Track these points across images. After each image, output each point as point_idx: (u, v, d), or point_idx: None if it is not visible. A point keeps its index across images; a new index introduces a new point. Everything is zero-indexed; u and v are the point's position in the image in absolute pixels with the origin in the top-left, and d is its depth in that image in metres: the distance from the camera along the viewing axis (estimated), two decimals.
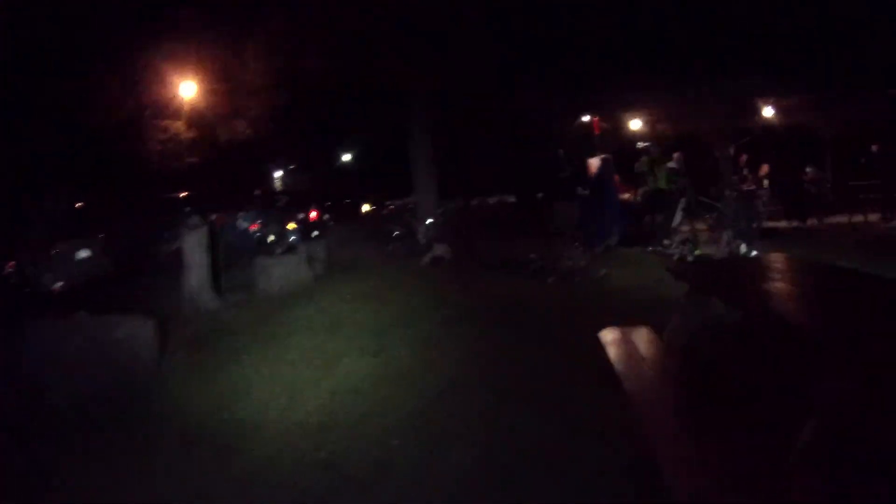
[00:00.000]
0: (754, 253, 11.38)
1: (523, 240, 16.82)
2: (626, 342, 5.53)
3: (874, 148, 18.36)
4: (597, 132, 16.05)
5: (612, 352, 5.32)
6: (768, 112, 19.49)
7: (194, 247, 10.79)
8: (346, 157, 43.79)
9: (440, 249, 14.53)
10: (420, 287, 11.75)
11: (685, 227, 15.24)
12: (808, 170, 18.67)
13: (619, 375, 4.76)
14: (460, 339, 8.11)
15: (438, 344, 8.00)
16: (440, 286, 11.74)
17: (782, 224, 17.48)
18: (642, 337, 5.64)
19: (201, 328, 9.63)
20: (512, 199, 19.21)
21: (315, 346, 8.30)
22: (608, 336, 5.78)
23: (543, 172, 15.53)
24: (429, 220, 16.19)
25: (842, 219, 18.36)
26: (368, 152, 37.68)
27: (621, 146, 23.91)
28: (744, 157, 18.81)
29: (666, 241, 14.23)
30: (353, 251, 16.96)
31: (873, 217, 18.38)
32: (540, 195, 16.67)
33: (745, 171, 18.52)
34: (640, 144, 15.39)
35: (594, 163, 14.81)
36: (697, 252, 12.45)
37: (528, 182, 17.73)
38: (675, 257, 12.51)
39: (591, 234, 14.14)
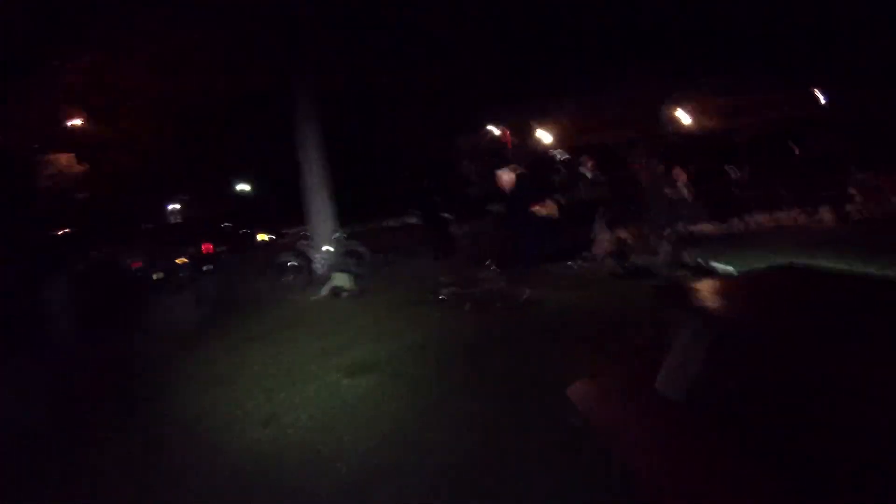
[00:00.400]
0: (701, 261, 10.49)
1: (433, 264, 15.56)
2: (608, 401, 4.01)
3: (795, 147, 17.82)
4: (509, 146, 14.81)
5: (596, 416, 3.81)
6: (684, 118, 18.69)
7: (55, 294, 9.22)
8: (244, 186, 41.85)
9: (340, 279, 12.94)
10: (318, 326, 10.26)
11: (607, 238, 14.11)
12: (727, 169, 17.85)
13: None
14: (369, 401, 6.51)
15: (343, 408, 6.40)
16: (340, 324, 10.23)
17: (708, 228, 16.60)
18: (624, 389, 4.12)
19: None
20: (416, 220, 17.74)
21: (187, 414, 6.70)
22: (580, 392, 4.21)
23: (450, 191, 13.99)
24: (325, 248, 14.56)
25: (763, 218, 17.67)
26: (265, 179, 35.99)
27: (535, 159, 23.15)
28: (661, 166, 17.90)
29: (586, 254, 13.11)
30: (246, 285, 15.56)
31: (795, 214, 17.76)
32: (447, 215, 15.22)
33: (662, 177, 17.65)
34: (558, 155, 14.17)
35: (507, 177, 13.53)
36: (631, 266, 11.29)
37: (433, 201, 16.26)
38: (607, 271, 11.28)
39: (507, 253, 12.81)
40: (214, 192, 38.08)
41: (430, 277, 12.55)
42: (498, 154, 15.39)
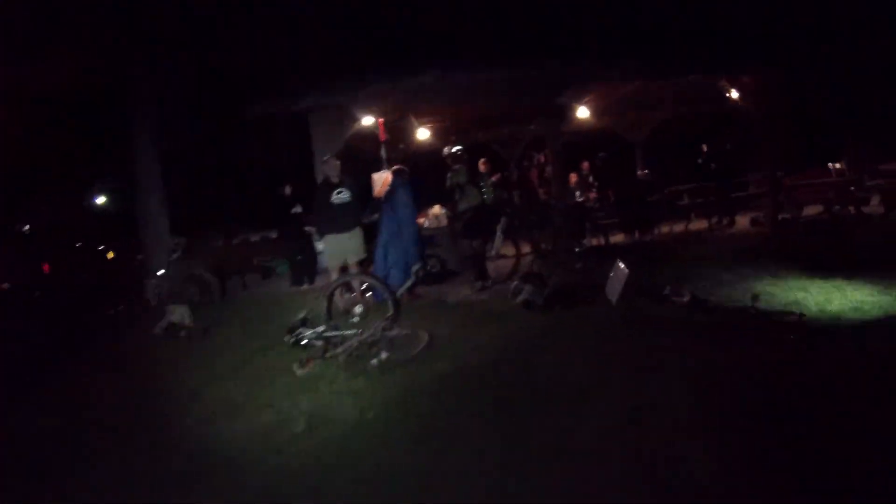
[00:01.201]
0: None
1: (294, 289, 12.96)
2: None
3: (705, 147, 15.85)
4: (383, 138, 12.08)
5: None
6: (582, 113, 16.48)
7: None
8: (102, 198, 37.36)
9: (177, 313, 9.87)
10: (144, 378, 7.79)
11: (509, 254, 11.65)
12: (640, 174, 15.76)
13: None
14: None
15: None
16: (168, 378, 7.66)
17: (621, 239, 14.31)
18: None
19: None
20: (275, 234, 14.72)
21: None
22: None
23: (309, 198, 11.07)
24: (161, 272, 11.35)
25: (671, 227, 15.78)
26: (122, 192, 32.04)
27: (413, 157, 20.41)
28: (549, 169, 15.72)
29: (484, 280, 10.86)
30: (73, 319, 12.92)
31: (705, 223, 16.14)
32: (309, 229, 12.20)
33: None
34: (451, 149, 11.44)
35: (383, 178, 10.89)
36: (547, 292, 8.76)
37: (294, 212, 13.32)
38: (521, 299, 8.75)
39: (385, 273, 10.18)
40: (67, 203, 33.86)
41: (288, 309, 9.73)
42: (370, 151, 12.71)
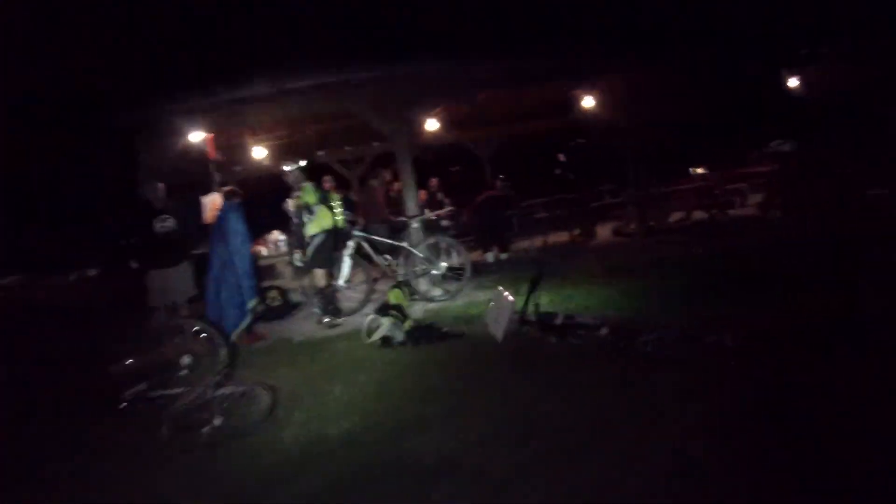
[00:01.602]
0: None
1: (115, 334, 10.82)
2: None
3: (561, 157, 15.20)
4: (212, 156, 10.57)
5: None
6: (432, 126, 15.52)
7: None
8: None
9: None
10: None
11: (363, 285, 10.43)
12: (498, 184, 14.85)
13: None
14: None
15: None
16: None
17: (477, 257, 13.29)
18: None
19: None
20: (95, 271, 12.68)
21: None
22: None
23: (136, 228, 9.30)
24: None
25: (530, 242, 14.99)
26: None
27: (250, 180, 18.76)
28: (396, 186, 14.66)
29: (333, 315, 9.60)
30: None
31: (564, 236, 15.45)
32: (134, 263, 10.42)
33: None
34: (294, 165, 9.93)
35: (212, 202, 9.48)
36: (408, 326, 7.61)
37: (118, 245, 11.46)
38: (378, 336, 7.57)
39: (219, 313, 8.75)
40: None
41: (111, 360, 8.08)
42: (200, 172, 11.08)
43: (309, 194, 9.43)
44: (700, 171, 16.50)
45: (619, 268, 10.20)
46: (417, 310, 9.15)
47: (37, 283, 13.16)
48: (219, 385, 6.13)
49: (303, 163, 9.68)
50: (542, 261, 11.59)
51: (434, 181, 15.94)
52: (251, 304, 8.70)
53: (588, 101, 16.65)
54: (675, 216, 15.46)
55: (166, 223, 8.75)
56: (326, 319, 9.46)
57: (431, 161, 17.17)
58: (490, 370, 6.07)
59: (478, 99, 14.90)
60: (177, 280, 8.85)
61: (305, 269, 9.85)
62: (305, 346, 8.32)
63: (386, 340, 7.42)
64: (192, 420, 5.65)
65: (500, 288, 7.36)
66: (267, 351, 8.42)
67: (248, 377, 6.84)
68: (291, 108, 11.39)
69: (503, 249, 13.25)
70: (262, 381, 6.40)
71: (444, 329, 7.58)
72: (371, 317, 7.90)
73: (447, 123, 16.97)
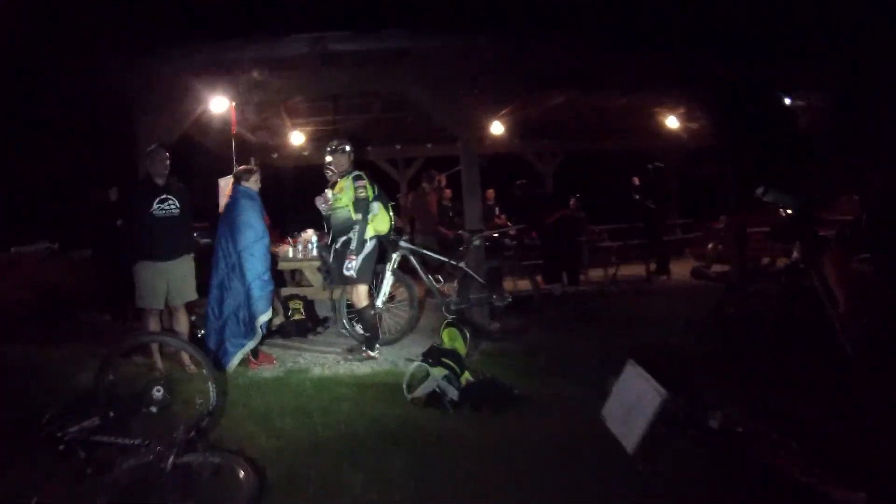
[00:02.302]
0: None
1: (80, 340, 8.55)
2: None
3: (636, 181, 13.05)
4: (234, 130, 8.63)
5: None
6: (497, 129, 13.62)
7: None
8: None
9: None
10: None
11: (405, 308, 8.34)
12: (573, 202, 12.80)
13: None
14: None
15: None
16: None
17: (547, 287, 11.11)
18: None
19: None
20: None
21: None
22: None
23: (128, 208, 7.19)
24: None
25: (597, 273, 12.89)
26: None
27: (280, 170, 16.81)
28: (448, 192, 12.70)
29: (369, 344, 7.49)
30: None
31: (638, 270, 13.26)
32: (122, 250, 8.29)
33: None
34: (342, 147, 7.72)
35: (228, 186, 7.54)
36: (465, 380, 5.50)
37: (108, 225, 9.49)
38: (423, 392, 5.46)
39: (217, 332, 6.79)
40: None
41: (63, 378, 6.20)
42: (217, 149, 9.07)
43: (367, 188, 7.38)
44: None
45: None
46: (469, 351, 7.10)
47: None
48: (186, 449, 4.11)
49: (347, 148, 7.58)
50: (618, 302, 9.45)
51: (490, 192, 13.95)
52: (262, 319, 6.75)
53: (673, 121, 14.76)
54: (766, 259, 13.14)
55: (167, 205, 6.81)
56: (361, 351, 7.45)
57: (485, 170, 15.11)
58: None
59: (552, 103, 12.97)
60: (174, 278, 6.88)
61: (343, 282, 7.73)
62: (323, 387, 6.24)
63: (433, 397, 5.35)
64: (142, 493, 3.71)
65: (631, 362, 4.60)
66: (272, 386, 6.37)
67: (231, 435, 4.86)
68: (336, 82, 9.26)
69: (572, 280, 11.13)
70: (246, 455, 4.37)
71: (515, 390, 5.47)
72: (416, 363, 5.75)
73: (511, 129, 15.05)
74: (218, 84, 8.50)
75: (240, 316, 6.76)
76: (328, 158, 7.66)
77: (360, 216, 7.30)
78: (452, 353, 5.68)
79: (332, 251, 7.61)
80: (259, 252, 6.81)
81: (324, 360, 7.49)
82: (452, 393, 5.28)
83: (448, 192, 12.78)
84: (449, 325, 6.41)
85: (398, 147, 17.29)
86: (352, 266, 7.17)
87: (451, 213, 12.52)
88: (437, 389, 5.31)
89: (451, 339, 6.12)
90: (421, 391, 5.38)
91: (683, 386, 4.58)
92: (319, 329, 9.31)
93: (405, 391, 5.49)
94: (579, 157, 19.08)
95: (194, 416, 4.86)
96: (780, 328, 5.86)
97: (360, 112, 13.45)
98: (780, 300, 5.92)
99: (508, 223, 13.34)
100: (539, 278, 9.77)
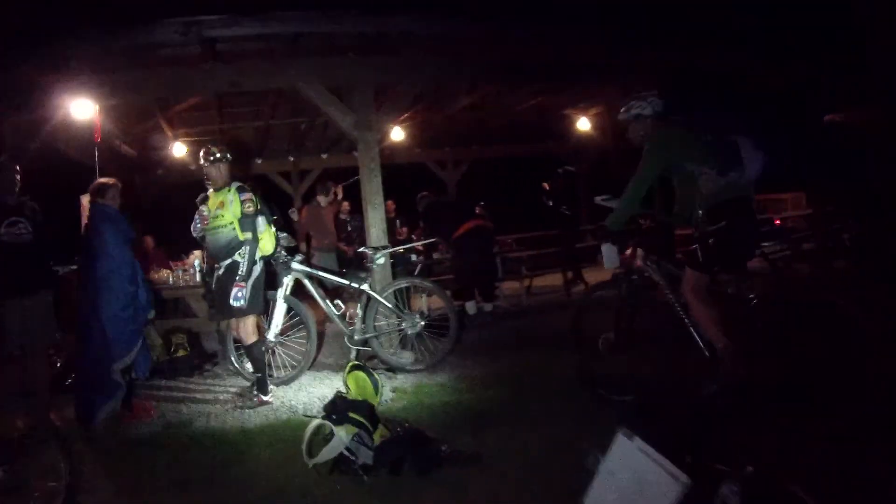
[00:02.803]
0: None
1: None
2: None
3: (546, 186, 12.25)
4: (97, 137, 7.39)
5: None
6: (397, 135, 12.76)
7: None
8: None
9: None
10: None
11: (302, 341, 7.25)
12: (478, 211, 11.86)
13: None
14: None
15: None
16: None
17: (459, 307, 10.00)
18: None
19: None
20: None
21: None
22: None
23: None
24: None
25: (511, 286, 12.14)
26: None
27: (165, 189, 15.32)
28: (345, 205, 11.67)
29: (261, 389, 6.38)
30: None
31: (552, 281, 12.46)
32: None
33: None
34: (216, 154, 6.47)
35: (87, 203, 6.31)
36: (379, 437, 4.37)
37: None
38: (321, 458, 4.30)
39: (85, 379, 5.60)
40: None
41: None
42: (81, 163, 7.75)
43: (255, 201, 6.26)
44: None
45: None
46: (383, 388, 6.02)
47: None
48: None
49: (228, 156, 6.43)
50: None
51: (391, 204, 12.95)
52: (117, 365, 5.59)
53: (584, 123, 14.17)
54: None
55: (17, 229, 5.55)
56: (253, 396, 6.31)
57: (384, 181, 14.00)
58: None
59: (457, 107, 12.15)
60: (29, 316, 5.62)
61: (229, 315, 6.57)
62: (208, 447, 5.11)
63: (341, 462, 4.30)
64: None
65: (625, 432, 3.25)
66: (147, 447, 5.20)
67: None
68: (217, 79, 7.95)
69: (487, 297, 10.16)
70: None
71: (443, 445, 4.43)
72: (316, 422, 4.53)
73: (413, 137, 14.17)
74: (80, 83, 7.19)
75: (100, 366, 5.57)
76: (205, 170, 6.49)
77: (248, 235, 6.15)
78: (362, 405, 4.54)
79: (215, 279, 6.41)
80: (117, 284, 5.58)
81: (210, 408, 6.31)
82: (365, 455, 4.21)
83: (346, 205, 11.73)
84: (355, 368, 5.28)
85: (291, 159, 16.09)
86: (241, 295, 6.01)
87: (349, 228, 11.49)
88: (346, 452, 4.26)
89: (359, 386, 5.03)
90: (325, 455, 4.24)
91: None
92: (207, 367, 8.11)
93: (305, 456, 4.37)
94: (484, 165, 18.39)
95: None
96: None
97: (249, 119, 12.25)
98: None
99: (413, 237, 12.31)
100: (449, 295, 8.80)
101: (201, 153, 6.38)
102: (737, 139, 4.71)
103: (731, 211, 4.67)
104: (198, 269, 8.67)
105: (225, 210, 6.20)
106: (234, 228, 6.17)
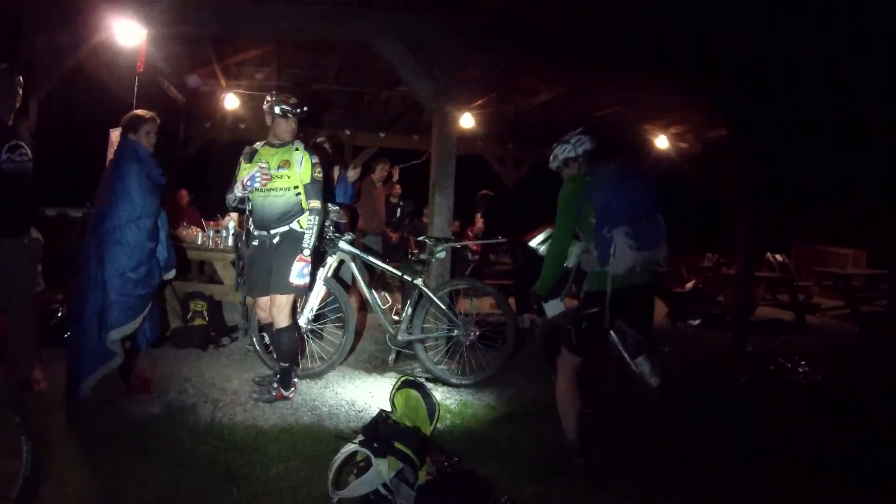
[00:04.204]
0: None
1: None
2: None
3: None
4: (140, 67, 6.50)
5: None
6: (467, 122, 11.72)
7: None
8: None
9: None
10: None
11: (340, 329, 6.34)
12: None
13: None
14: None
15: None
16: None
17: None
18: None
19: None
20: None
21: None
22: None
23: None
24: None
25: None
26: None
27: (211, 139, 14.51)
28: (397, 188, 10.76)
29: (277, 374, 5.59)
30: None
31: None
32: None
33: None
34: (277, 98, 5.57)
35: (117, 138, 5.42)
36: (423, 476, 3.42)
37: None
38: (348, 494, 3.35)
39: (78, 341, 4.74)
40: None
41: None
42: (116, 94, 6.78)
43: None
44: (779, 258, 12.51)
45: None
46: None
47: None
48: None
49: (304, 109, 5.47)
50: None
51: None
52: (113, 335, 4.70)
53: (663, 140, 13.11)
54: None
55: (17, 156, 4.65)
56: (273, 386, 5.38)
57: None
58: None
59: (536, 101, 11.22)
60: (9, 263, 4.73)
61: (266, 292, 5.63)
62: (208, 448, 4.19)
63: (373, 500, 3.31)
64: None
65: None
66: (137, 436, 4.28)
67: None
68: (280, 21, 6.99)
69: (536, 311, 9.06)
70: None
71: (502, 498, 3.42)
72: (351, 447, 3.50)
73: (480, 127, 13.14)
74: (127, 2, 6.29)
75: (95, 325, 4.66)
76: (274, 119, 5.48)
77: (317, 204, 5.30)
78: (411, 435, 3.50)
79: (259, 247, 5.41)
80: (132, 237, 4.64)
81: (220, 394, 5.40)
82: (406, 496, 3.22)
83: (398, 189, 10.84)
84: (407, 384, 4.19)
85: (347, 132, 15.07)
86: (307, 272, 5.23)
87: (398, 213, 10.58)
88: (382, 490, 3.28)
89: (409, 407, 3.95)
90: (356, 490, 3.26)
91: None
92: (224, 341, 7.23)
93: (330, 486, 3.41)
94: (546, 168, 17.29)
95: None
96: None
97: (309, 82, 11.28)
98: None
99: (469, 233, 11.32)
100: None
101: (272, 98, 5.33)
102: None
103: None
104: (231, 230, 7.74)
105: (291, 171, 5.27)
106: (299, 194, 5.27)
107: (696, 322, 8.92)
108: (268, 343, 5.86)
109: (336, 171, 7.86)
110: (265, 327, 5.67)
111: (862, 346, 9.39)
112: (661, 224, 4.25)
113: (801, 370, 6.79)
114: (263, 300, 5.40)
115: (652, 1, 6.83)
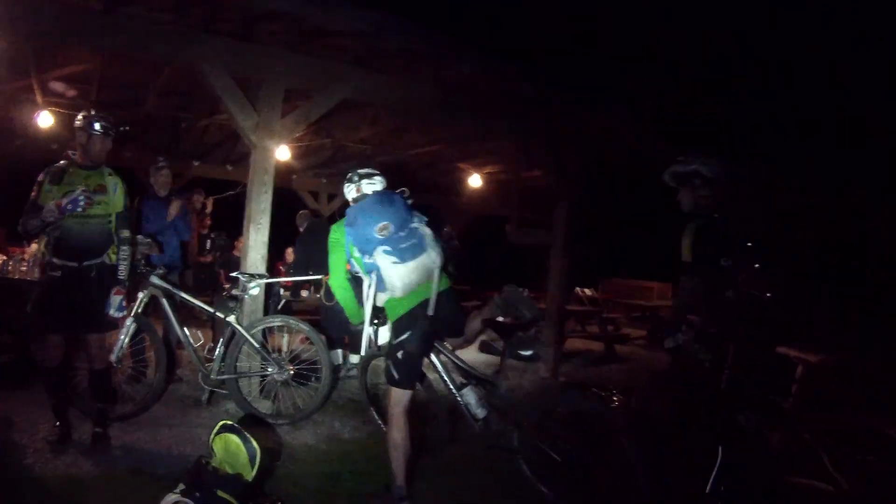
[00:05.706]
0: None
1: None
2: None
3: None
4: None
5: None
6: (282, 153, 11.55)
7: None
8: None
9: None
10: None
11: (152, 367, 6.07)
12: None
13: None
14: None
15: None
16: None
17: None
18: None
19: None
20: None
21: None
22: None
23: None
24: None
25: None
26: None
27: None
28: (208, 221, 10.54)
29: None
30: None
31: None
32: None
33: None
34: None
35: None
36: None
37: None
38: None
39: None
40: None
41: None
42: None
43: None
44: (588, 292, 13.29)
45: None
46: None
47: None
48: None
49: (115, 128, 5.16)
50: None
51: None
52: None
53: (476, 180, 13.52)
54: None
55: None
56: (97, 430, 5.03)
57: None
58: None
59: (354, 137, 11.32)
60: None
61: (94, 329, 5.22)
62: None
63: None
64: None
65: None
66: None
67: None
68: (113, 37, 6.49)
69: (356, 348, 8.98)
70: None
71: None
72: (172, 497, 3.38)
73: (295, 160, 13.04)
74: None
75: None
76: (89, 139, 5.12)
77: (128, 233, 5.13)
78: (234, 482, 3.44)
79: (61, 279, 4.91)
80: None
81: (25, 440, 5.02)
82: None
83: (208, 221, 10.58)
84: (226, 429, 4.01)
85: (160, 159, 14.36)
86: (124, 306, 5.02)
87: (209, 247, 10.30)
88: None
89: (229, 453, 3.81)
90: None
91: None
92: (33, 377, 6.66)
93: None
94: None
95: None
96: None
97: (129, 104, 10.58)
98: None
99: (281, 267, 11.14)
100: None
101: (91, 114, 5.01)
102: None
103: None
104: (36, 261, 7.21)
105: (108, 197, 5.02)
106: (110, 223, 5.02)
107: (528, 353, 9.27)
108: None
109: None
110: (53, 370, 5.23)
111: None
112: (421, 231, 4.36)
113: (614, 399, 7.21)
114: (58, 338, 5.04)
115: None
